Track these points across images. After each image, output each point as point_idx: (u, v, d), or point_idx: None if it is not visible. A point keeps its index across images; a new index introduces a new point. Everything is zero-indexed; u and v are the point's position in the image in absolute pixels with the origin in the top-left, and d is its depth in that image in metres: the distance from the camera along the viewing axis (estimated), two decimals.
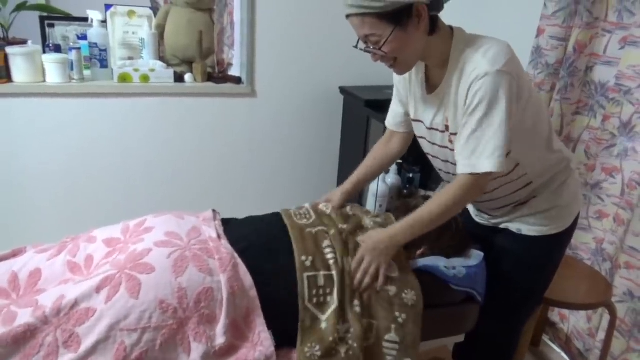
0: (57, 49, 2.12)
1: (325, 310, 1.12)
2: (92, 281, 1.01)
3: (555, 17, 1.54)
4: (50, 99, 2.02)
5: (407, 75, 1.25)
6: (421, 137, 1.31)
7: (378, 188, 2.16)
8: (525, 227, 1.29)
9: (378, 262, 1.16)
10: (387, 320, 1.14)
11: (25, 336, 0.93)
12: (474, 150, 1.07)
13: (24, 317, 0.97)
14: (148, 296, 0.99)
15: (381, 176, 2.22)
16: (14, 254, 1.20)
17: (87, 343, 0.94)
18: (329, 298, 1.13)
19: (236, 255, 1.13)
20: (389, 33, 1.05)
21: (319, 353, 1.08)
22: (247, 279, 1.09)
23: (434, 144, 1.26)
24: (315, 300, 1.12)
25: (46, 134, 2.06)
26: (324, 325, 1.11)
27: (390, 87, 2.43)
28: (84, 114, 2.08)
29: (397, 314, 1.15)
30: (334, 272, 1.15)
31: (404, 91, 1.32)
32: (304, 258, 1.15)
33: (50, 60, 1.98)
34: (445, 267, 1.29)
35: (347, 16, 1.11)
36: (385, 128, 1.46)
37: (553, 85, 1.63)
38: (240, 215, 1.44)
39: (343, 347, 1.10)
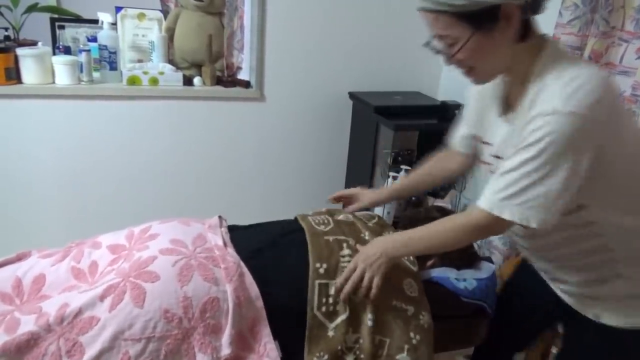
0: (67, 50, 2.12)
1: (334, 319, 1.10)
2: (96, 290, 1.00)
3: (570, 26, 1.52)
4: (60, 101, 2.02)
5: (486, 85, 1.03)
6: (484, 163, 1.09)
7: None
8: (606, 313, 1.00)
9: (372, 273, 1.08)
10: (401, 340, 1.11)
11: (28, 344, 0.92)
12: (507, 187, 0.89)
13: (28, 324, 0.95)
14: (152, 305, 0.97)
15: (386, 183, 2.19)
16: (19, 258, 1.19)
17: (90, 352, 0.93)
18: (338, 307, 1.10)
19: (242, 264, 1.11)
20: (467, 37, 0.88)
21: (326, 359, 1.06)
22: (253, 289, 1.08)
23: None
24: (324, 309, 1.10)
25: (55, 136, 2.06)
26: (331, 333, 1.09)
27: (399, 93, 2.43)
28: (93, 116, 2.08)
29: (411, 334, 1.12)
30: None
31: (478, 104, 1.11)
32: (318, 265, 1.13)
33: (59, 62, 1.98)
34: (456, 278, 1.27)
35: (419, 9, 0.91)
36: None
37: None
38: (247, 219, 1.42)
39: (350, 357, 1.08)
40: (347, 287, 1.09)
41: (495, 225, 0.93)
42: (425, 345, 1.13)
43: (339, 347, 1.08)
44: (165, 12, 2.32)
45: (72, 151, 2.10)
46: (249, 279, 1.08)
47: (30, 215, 2.13)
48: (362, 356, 1.08)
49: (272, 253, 1.17)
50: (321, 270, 1.12)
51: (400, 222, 1.40)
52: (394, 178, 2.17)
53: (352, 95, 2.32)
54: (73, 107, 2.04)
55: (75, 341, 0.93)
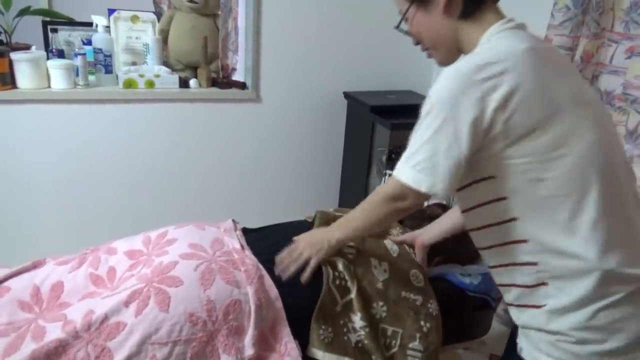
0: (61, 54, 2.10)
1: (345, 296, 1.14)
2: (120, 295, 1.01)
3: (562, 27, 1.58)
4: (56, 105, 2.00)
5: None
6: None
7: None
8: (534, 350, 0.94)
9: (309, 254, 1.12)
10: (413, 328, 1.16)
11: (57, 352, 0.93)
12: (406, 151, 0.92)
13: (55, 332, 0.96)
14: (177, 309, 1.00)
15: (383, 180, 2.24)
16: (34, 266, 1.19)
17: (119, 357, 0.94)
18: (349, 284, 1.15)
19: (261, 266, 1.14)
20: (406, 9, 0.96)
21: (331, 335, 1.11)
22: (273, 290, 1.11)
23: None
24: (337, 282, 1.14)
25: (52, 141, 2.04)
26: (339, 308, 1.13)
27: (393, 92, 2.47)
28: (90, 120, 2.07)
29: (422, 323, 1.17)
30: (351, 266, 1.18)
31: None
32: None
33: (55, 66, 1.97)
34: (461, 274, 1.32)
35: None
36: None
37: None
38: (246, 219, 1.45)
39: (353, 338, 1.12)
40: (285, 261, 1.14)
41: (401, 191, 0.93)
42: (435, 332, 1.18)
43: (341, 322, 1.12)
44: (158, 14, 2.32)
45: (70, 156, 2.09)
46: (268, 281, 1.11)
47: (27, 220, 2.11)
48: (365, 342, 1.11)
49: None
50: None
51: (406, 221, 1.44)
52: (390, 176, 2.22)
53: (346, 95, 2.35)
54: (69, 112, 2.03)
55: (104, 347, 0.95)
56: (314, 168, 2.53)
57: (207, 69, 2.22)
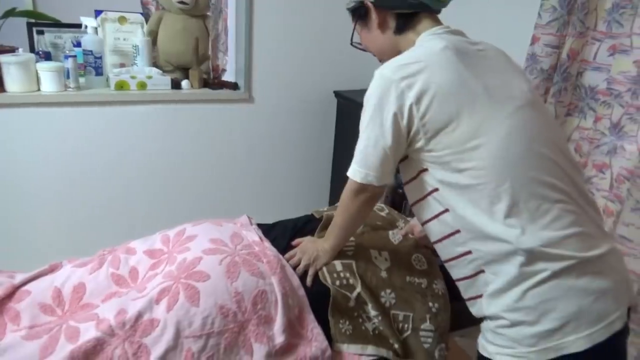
0: (48, 56, 2.07)
1: (353, 291, 1.19)
2: (149, 295, 1.03)
3: (549, 27, 1.66)
4: (46, 109, 1.97)
5: None
6: None
7: None
8: (482, 340, 1.00)
9: (306, 262, 1.20)
10: (423, 310, 1.22)
11: (95, 350, 0.94)
12: None
13: (89, 331, 0.97)
14: (208, 302, 1.02)
15: None
16: (52, 269, 1.19)
17: (156, 353, 0.96)
18: (351, 281, 1.20)
19: (281, 256, 1.17)
20: (354, 26, 1.12)
21: (350, 328, 1.15)
22: (295, 279, 1.15)
23: None
24: (338, 282, 1.19)
25: (43, 145, 2.00)
26: (352, 303, 1.18)
27: None
28: (82, 123, 2.04)
29: (430, 304, 1.23)
30: (351, 262, 1.23)
31: None
32: None
33: (45, 69, 1.93)
34: None
35: None
36: None
37: (547, 89, 1.75)
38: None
39: (370, 326, 1.17)
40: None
41: (361, 187, 1.03)
42: (443, 310, 1.24)
43: (357, 315, 1.16)
44: (146, 15, 2.30)
45: (62, 159, 2.05)
46: (289, 270, 1.15)
47: (19, 224, 2.06)
48: (381, 328, 1.17)
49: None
50: None
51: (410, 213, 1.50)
52: None
53: (337, 93, 2.40)
54: (60, 115, 2.00)
55: (140, 343, 0.96)
56: (306, 166, 2.56)
57: (198, 70, 2.22)
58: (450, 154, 0.92)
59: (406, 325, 1.21)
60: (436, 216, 0.99)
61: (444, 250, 1.02)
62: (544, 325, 0.88)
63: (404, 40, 1.05)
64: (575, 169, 0.97)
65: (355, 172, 1.01)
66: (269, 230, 1.35)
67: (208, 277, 1.06)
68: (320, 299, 1.15)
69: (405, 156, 1.01)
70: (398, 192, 2.30)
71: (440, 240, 1.01)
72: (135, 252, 1.20)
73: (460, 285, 1.04)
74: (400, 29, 1.05)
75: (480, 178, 0.90)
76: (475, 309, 1.02)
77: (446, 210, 0.96)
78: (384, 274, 1.23)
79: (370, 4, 1.05)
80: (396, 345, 1.16)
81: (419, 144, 0.95)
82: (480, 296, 0.98)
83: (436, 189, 0.97)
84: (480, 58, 0.99)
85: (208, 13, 2.29)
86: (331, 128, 2.52)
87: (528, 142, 0.92)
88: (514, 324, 0.91)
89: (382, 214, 1.51)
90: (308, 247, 1.23)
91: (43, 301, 1.09)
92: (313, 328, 1.11)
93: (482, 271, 0.95)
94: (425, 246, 1.35)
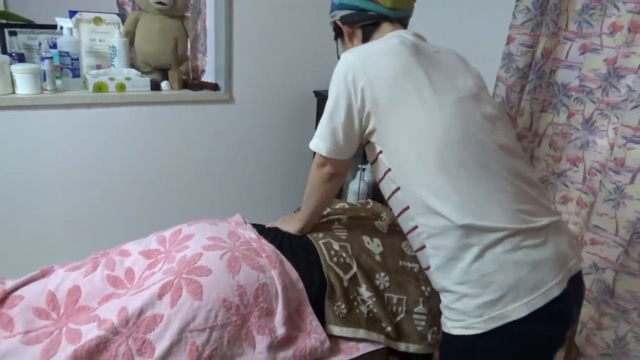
0: (21, 58, 2.01)
1: (348, 271, 1.23)
2: (151, 290, 1.03)
3: (524, 27, 1.74)
4: (22, 112, 1.91)
5: None
6: None
7: (359, 187, 2.28)
8: (442, 318, 1.06)
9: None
10: (416, 294, 1.26)
11: (98, 348, 0.94)
12: None
13: (91, 331, 0.96)
14: (211, 296, 1.03)
15: (359, 174, 2.34)
16: (43, 274, 1.17)
17: (161, 348, 0.96)
18: (348, 260, 1.24)
19: (278, 252, 1.19)
20: (336, 43, 1.29)
21: (344, 310, 1.19)
22: (293, 273, 1.18)
23: None
24: (335, 259, 1.23)
25: (19, 149, 1.95)
26: (346, 284, 1.22)
27: None
28: (59, 126, 2.00)
29: (423, 288, 1.27)
30: (347, 244, 1.28)
31: None
32: (316, 234, 1.31)
33: (20, 71, 1.88)
34: None
35: None
36: None
37: (522, 87, 1.83)
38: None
39: (364, 308, 1.20)
40: None
41: (319, 160, 1.16)
42: (436, 294, 1.28)
43: (352, 297, 1.20)
44: (122, 15, 2.27)
45: (40, 163, 2.00)
46: (287, 264, 1.18)
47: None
48: (375, 310, 1.20)
49: (294, 241, 1.30)
50: (320, 234, 1.30)
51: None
52: (364, 170, 2.32)
53: (317, 93, 2.42)
54: (37, 118, 1.95)
55: (144, 339, 0.96)
56: (287, 165, 2.58)
57: (178, 70, 2.20)
58: (397, 136, 1.03)
59: (400, 309, 1.24)
60: (392, 194, 1.09)
61: (402, 225, 1.12)
62: (487, 296, 0.94)
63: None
64: (512, 154, 1.05)
65: (314, 143, 1.13)
66: (261, 231, 1.36)
67: (210, 272, 1.07)
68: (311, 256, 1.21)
69: (367, 141, 1.12)
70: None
71: (398, 215, 1.11)
72: (130, 254, 1.20)
73: (417, 257, 1.12)
74: (366, 38, 1.19)
75: (423, 158, 1.00)
76: (432, 282, 1.09)
77: (398, 189, 1.06)
78: (378, 258, 1.28)
79: (338, 22, 1.22)
80: (389, 329, 1.19)
81: (371, 126, 1.06)
82: (428, 268, 1.06)
83: (389, 169, 1.06)
84: (431, 55, 1.11)
85: (186, 13, 2.28)
86: (311, 127, 2.54)
87: (465, 127, 1.01)
88: (461, 297, 0.98)
89: (367, 207, 1.55)
90: (285, 222, 1.38)
91: (37, 306, 1.08)
92: (312, 320, 1.14)
93: (424, 246, 1.05)
94: None
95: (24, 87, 1.89)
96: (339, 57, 1.24)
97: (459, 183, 0.97)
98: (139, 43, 2.22)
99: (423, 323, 1.24)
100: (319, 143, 1.12)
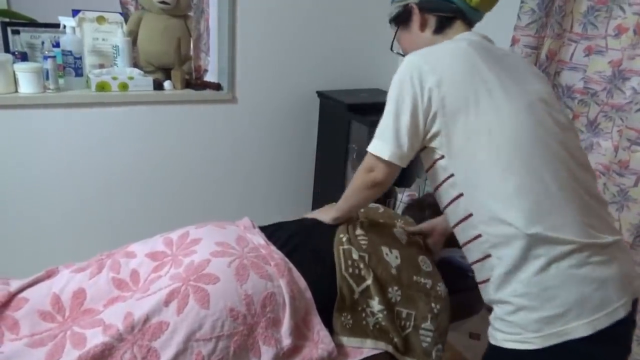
0: (24, 57, 2.01)
1: (361, 284, 1.21)
2: (158, 296, 1.02)
3: (528, 28, 1.73)
4: (25, 111, 1.91)
5: None
6: None
7: None
8: (491, 329, 1.02)
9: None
10: (425, 310, 1.25)
11: (103, 355, 0.93)
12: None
13: (96, 337, 0.95)
14: (218, 305, 1.02)
15: None
16: (48, 275, 1.16)
17: (166, 356, 0.95)
18: (363, 272, 1.21)
19: (287, 259, 1.18)
20: (394, 34, 1.21)
21: (350, 322, 1.18)
22: (301, 281, 1.15)
23: None
24: (350, 270, 1.21)
25: (21, 148, 1.94)
26: (357, 296, 1.20)
27: (363, 91, 2.57)
28: (62, 125, 1.99)
29: (432, 304, 1.26)
30: (365, 255, 1.25)
31: None
32: (342, 236, 1.27)
33: (23, 70, 1.87)
34: (462, 257, 1.42)
35: None
36: None
37: None
38: (224, 219, 1.48)
39: (371, 321, 1.19)
40: None
41: (374, 164, 1.08)
42: (444, 311, 1.28)
43: (359, 309, 1.18)
44: (125, 15, 2.26)
45: (42, 162, 1.99)
46: (296, 273, 1.16)
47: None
48: (383, 323, 1.19)
49: (310, 248, 1.26)
50: (344, 239, 1.26)
51: (407, 210, 1.54)
52: None
53: (320, 93, 2.42)
54: (39, 117, 1.94)
55: (149, 347, 0.95)
56: (289, 166, 2.57)
57: (181, 70, 2.20)
58: (464, 139, 0.97)
59: (408, 323, 1.24)
60: (452, 201, 1.03)
61: (461, 234, 1.06)
62: (547, 311, 0.91)
63: (439, 40, 1.12)
64: (582, 167, 1.01)
65: (374, 146, 1.05)
66: (273, 230, 1.35)
67: (218, 280, 1.05)
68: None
69: (424, 147, 1.06)
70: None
71: (457, 224, 1.05)
72: (135, 255, 1.18)
73: (475, 268, 1.07)
74: (438, 30, 1.13)
75: (491, 163, 0.95)
76: (485, 294, 1.06)
77: (460, 195, 1.01)
78: (393, 271, 1.26)
79: (414, 6, 1.13)
80: (396, 340, 1.19)
81: (435, 128, 1.00)
82: (488, 280, 1.01)
83: (451, 175, 1.01)
84: (500, 58, 1.06)
85: (190, 13, 2.27)
86: (314, 128, 2.53)
87: (536, 133, 0.96)
88: (518, 309, 0.94)
89: (380, 211, 1.54)
90: (321, 213, 1.37)
91: (42, 308, 1.07)
92: (319, 330, 1.12)
93: (489, 255, 0.99)
94: (427, 249, 1.38)
95: (26, 86, 1.89)
96: (392, 48, 1.24)
97: (527, 190, 0.93)
98: (142, 42, 2.21)
99: (429, 339, 1.23)
100: (382, 146, 1.03)
